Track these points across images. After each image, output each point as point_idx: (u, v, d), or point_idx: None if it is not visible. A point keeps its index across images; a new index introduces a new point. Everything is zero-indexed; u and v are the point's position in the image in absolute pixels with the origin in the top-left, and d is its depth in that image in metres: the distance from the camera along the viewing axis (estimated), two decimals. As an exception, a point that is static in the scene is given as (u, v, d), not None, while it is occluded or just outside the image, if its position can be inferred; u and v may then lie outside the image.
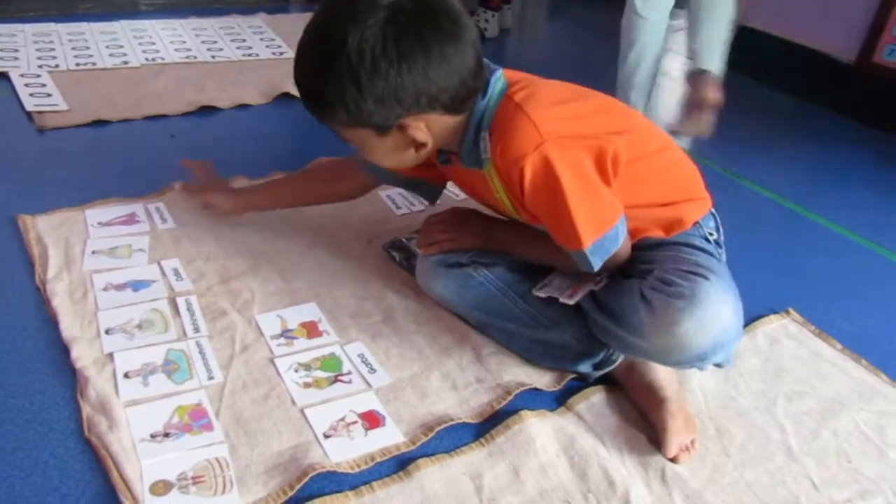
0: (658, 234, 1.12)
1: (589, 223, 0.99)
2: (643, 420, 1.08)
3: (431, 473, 0.96)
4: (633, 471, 1.00)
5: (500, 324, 1.18)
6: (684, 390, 1.13)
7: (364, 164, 1.26)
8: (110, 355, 1.10)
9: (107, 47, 2.36)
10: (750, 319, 1.34)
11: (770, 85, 2.72)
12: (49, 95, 1.97)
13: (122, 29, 2.54)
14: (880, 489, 1.02)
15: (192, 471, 0.93)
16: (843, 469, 1.05)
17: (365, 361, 1.14)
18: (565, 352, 1.14)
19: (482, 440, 1.03)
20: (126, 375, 1.06)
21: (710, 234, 1.14)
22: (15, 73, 2.07)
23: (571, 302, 1.10)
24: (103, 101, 1.97)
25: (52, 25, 2.49)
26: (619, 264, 1.09)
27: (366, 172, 1.30)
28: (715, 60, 1.74)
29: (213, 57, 2.38)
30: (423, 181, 1.28)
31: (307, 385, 1.09)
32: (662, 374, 1.09)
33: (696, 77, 1.76)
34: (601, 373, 1.13)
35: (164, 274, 1.29)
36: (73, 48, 2.32)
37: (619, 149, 1.00)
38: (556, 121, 0.99)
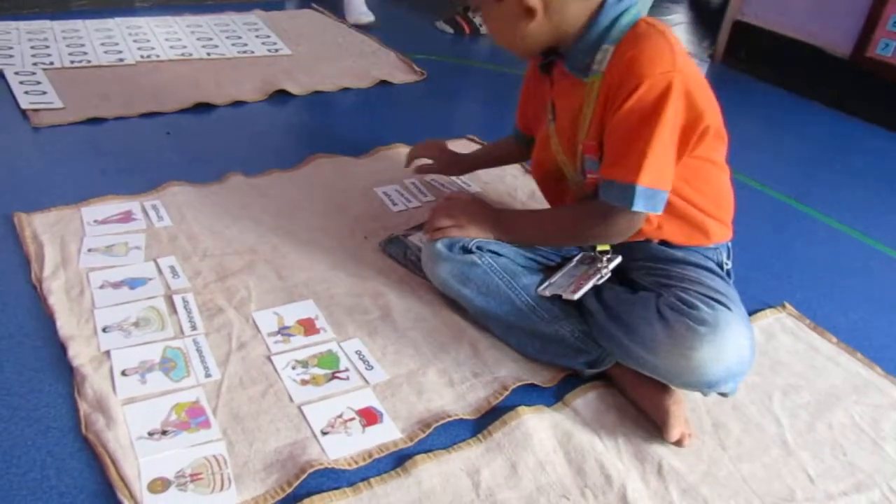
0: (678, 238, 1.15)
1: (654, 167, 1.01)
2: (640, 415, 1.09)
3: (429, 469, 0.97)
4: (629, 465, 1.01)
5: (500, 314, 1.18)
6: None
7: (518, 139, 1.43)
8: (107, 353, 1.10)
9: (102, 44, 2.36)
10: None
11: (764, 79, 2.73)
12: (44, 93, 1.96)
13: (116, 26, 2.54)
14: (875, 482, 1.03)
15: (189, 468, 0.93)
16: (839, 462, 1.05)
17: (362, 358, 1.14)
18: (562, 348, 1.15)
19: (479, 436, 1.03)
20: (123, 373, 1.06)
21: (725, 264, 1.19)
22: (9, 71, 2.07)
23: (575, 297, 1.10)
24: (98, 99, 1.97)
25: (46, 22, 2.49)
26: (625, 233, 1.11)
27: (515, 139, 1.44)
28: None
29: (208, 54, 2.38)
30: None
31: (304, 382, 1.09)
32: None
33: None
34: (595, 371, 1.13)
35: (160, 271, 1.29)
36: (68, 45, 2.32)
37: (708, 133, 1.05)
38: (689, 65, 1.03)
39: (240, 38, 2.56)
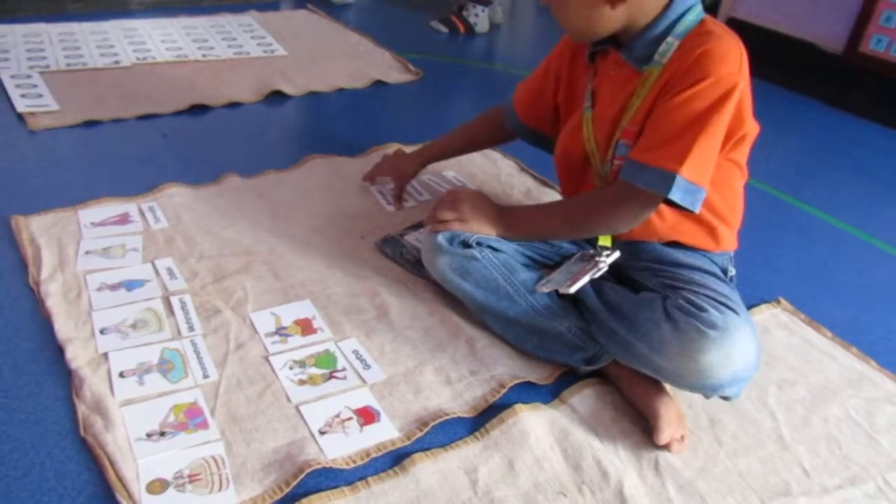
0: (688, 240, 1.17)
1: (698, 162, 1.02)
2: (636, 412, 1.09)
3: (426, 468, 0.97)
4: (626, 462, 1.01)
5: (499, 309, 1.18)
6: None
7: (506, 115, 1.42)
8: (105, 355, 1.10)
9: (97, 47, 2.36)
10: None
11: (758, 75, 2.73)
12: (40, 96, 1.96)
13: (112, 28, 2.54)
14: (870, 475, 1.03)
15: (188, 469, 0.93)
16: (834, 456, 1.06)
17: (359, 357, 1.15)
18: (559, 344, 1.15)
19: (477, 434, 1.03)
20: (121, 375, 1.07)
21: (729, 270, 1.21)
22: (6, 74, 2.07)
23: (571, 291, 1.11)
24: (95, 101, 1.97)
25: (41, 26, 2.49)
26: (639, 218, 1.11)
27: (508, 125, 1.43)
28: None
29: (203, 55, 2.38)
30: (546, 136, 1.37)
31: (302, 382, 1.09)
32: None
33: None
34: (592, 368, 1.13)
35: (157, 273, 1.30)
36: (64, 48, 2.32)
37: (744, 142, 1.09)
38: (748, 73, 1.05)
39: (235, 39, 2.56)
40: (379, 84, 2.30)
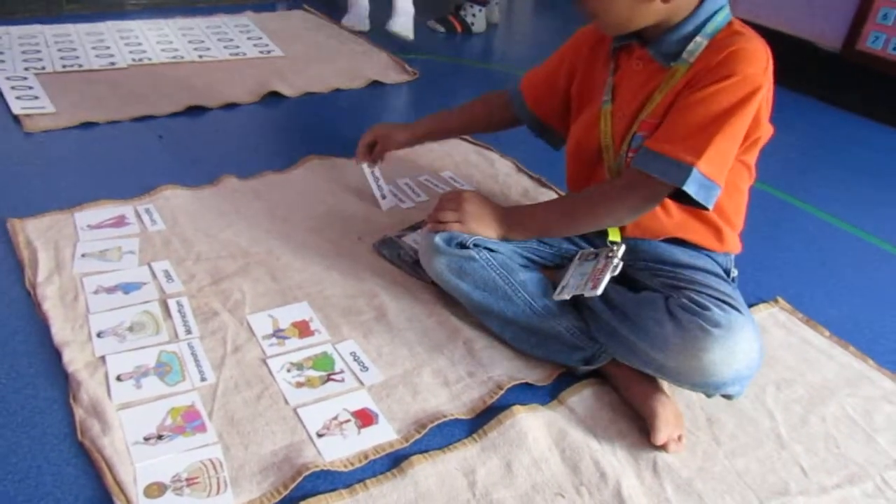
0: (692, 238, 1.17)
1: (716, 158, 1.02)
2: (634, 412, 1.09)
3: (424, 470, 0.97)
4: (624, 462, 1.01)
5: (497, 310, 1.18)
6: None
7: (513, 100, 1.39)
8: (102, 358, 1.10)
9: (93, 48, 2.35)
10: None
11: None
12: (36, 98, 1.96)
13: (108, 30, 2.53)
14: (868, 474, 1.03)
15: (185, 472, 0.93)
16: (832, 455, 1.06)
17: (357, 359, 1.15)
18: (557, 344, 1.15)
19: (475, 436, 1.03)
20: (118, 378, 1.06)
21: (731, 271, 1.21)
22: (1, 76, 2.07)
23: (598, 292, 1.10)
24: (91, 103, 1.96)
25: (37, 27, 2.48)
26: (648, 206, 1.11)
27: (514, 110, 1.39)
28: None
29: (200, 56, 2.37)
30: (552, 128, 1.36)
31: (300, 384, 1.09)
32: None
33: None
34: (590, 368, 1.13)
35: (154, 276, 1.29)
36: (60, 50, 2.32)
37: (757, 145, 1.11)
38: (771, 76, 1.07)
39: (231, 40, 2.55)
40: (376, 84, 2.30)
